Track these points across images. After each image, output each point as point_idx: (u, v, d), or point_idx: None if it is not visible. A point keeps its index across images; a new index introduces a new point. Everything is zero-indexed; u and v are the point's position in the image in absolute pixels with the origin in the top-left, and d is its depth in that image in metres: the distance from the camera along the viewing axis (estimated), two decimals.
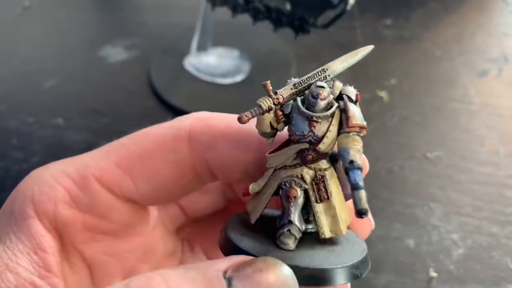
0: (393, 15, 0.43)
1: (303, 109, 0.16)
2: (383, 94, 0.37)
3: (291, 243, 0.16)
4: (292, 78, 0.17)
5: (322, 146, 0.15)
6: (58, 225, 0.17)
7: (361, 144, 0.15)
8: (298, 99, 0.16)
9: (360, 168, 0.15)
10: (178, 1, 0.41)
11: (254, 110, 0.16)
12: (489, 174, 0.33)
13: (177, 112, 0.36)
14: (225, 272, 0.14)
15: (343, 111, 0.16)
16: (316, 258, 0.15)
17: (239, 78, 0.37)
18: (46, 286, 0.16)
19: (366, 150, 0.33)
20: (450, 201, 0.31)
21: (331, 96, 0.16)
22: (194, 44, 0.38)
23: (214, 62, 0.38)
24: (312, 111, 0.16)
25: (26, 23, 0.43)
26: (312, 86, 0.16)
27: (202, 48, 0.38)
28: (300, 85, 0.17)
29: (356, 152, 0.15)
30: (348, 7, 0.27)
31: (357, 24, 0.42)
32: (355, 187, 0.14)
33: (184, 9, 0.42)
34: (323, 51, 0.40)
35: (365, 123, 0.16)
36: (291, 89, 0.17)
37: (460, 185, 0.32)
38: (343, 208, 0.16)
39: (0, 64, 0.39)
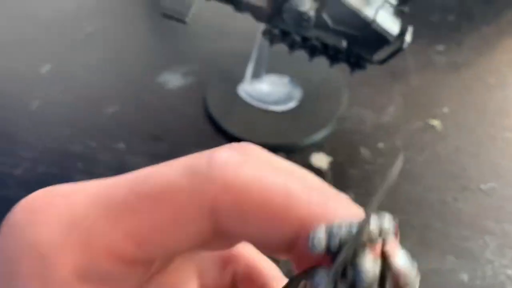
0: (445, 40, 0.43)
1: None
2: (435, 122, 0.37)
3: None
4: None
5: None
6: None
7: None
8: None
9: None
10: (234, 28, 0.43)
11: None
12: None
13: (231, 138, 0.37)
14: None
15: None
16: None
17: (291, 105, 0.38)
18: None
19: (418, 180, 0.33)
20: (505, 234, 0.31)
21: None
22: (248, 72, 0.39)
23: (266, 89, 0.39)
24: None
25: (88, 49, 0.45)
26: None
27: (256, 75, 0.39)
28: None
29: None
30: (405, 45, 0.28)
31: (408, 50, 0.42)
32: None
33: (239, 36, 0.43)
34: (374, 78, 0.40)
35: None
36: None
37: None
38: None
39: (63, 89, 0.41)
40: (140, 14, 0.50)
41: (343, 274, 0.12)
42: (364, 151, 0.36)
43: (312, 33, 0.29)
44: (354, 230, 0.12)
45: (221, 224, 0.14)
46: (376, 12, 0.27)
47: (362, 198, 0.33)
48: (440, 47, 0.43)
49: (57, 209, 0.15)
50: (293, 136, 0.36)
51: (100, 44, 0.46)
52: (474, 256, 0.30)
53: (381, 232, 0.12)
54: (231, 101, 0.39)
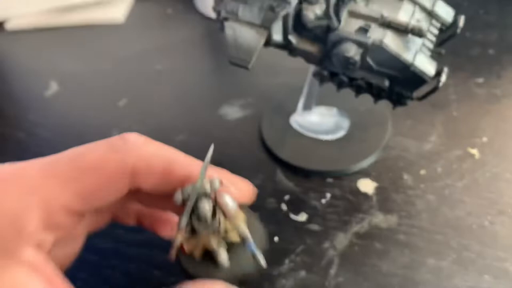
0: (485, 73, 0.46)
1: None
2: (474, 151, 0.40)
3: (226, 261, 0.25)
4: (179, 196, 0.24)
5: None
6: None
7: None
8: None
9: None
10: (287, 64, 0.47)
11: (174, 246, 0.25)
12: None
13: (284, 164, 0.41)
14: None
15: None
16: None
17: (339, 134, 0.42)
18: None
19: (457, 205, 0.36)
20: None
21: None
22: (300, 104, 0.43)
23: (316, 120, 0.43)
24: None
25: (158, 84, 0.51)
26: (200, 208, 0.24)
27: (306, 107, 0.43)
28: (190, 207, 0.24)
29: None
30: (440, 84, 0.31)
31: (450, 82, 0.45)
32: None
33: (292, 71, 0.47)
34: (417, 109, 0.43)
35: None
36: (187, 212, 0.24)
37: None
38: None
39: (138, 121, 0.47)
40: (203, 54, 0.56)
41: (193, 211, 0.24)
42: (407, 177, 0.39)
43: (358, 74, 0.33)
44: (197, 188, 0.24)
45: (137, 182, 0.24)
46: (414, 56, 0.31)
47: (405, 220, 0.36)
48: (480, 80, 0.45)
49: (18, 182, 0.22)
50: (342, 163, 0.40)
51: (169, 80, 0.52)
52: (510, 277, 0.33)
53: (212, 186, 0.24)
54: (284, 131, 0.43)
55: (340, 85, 0.35)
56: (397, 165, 0.40)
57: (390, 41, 0.31)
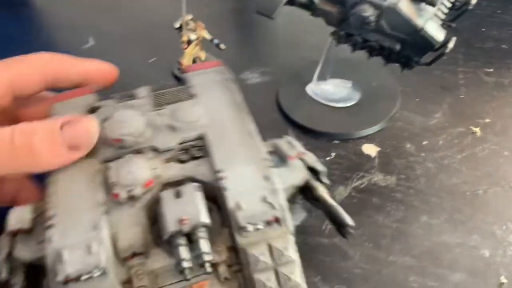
0: (496, 64, 0.48)
1: None
2: (476, 130, 0.42)
3: None
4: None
5: None
6: None
7: None
8: None
9: None
10: (307, 39, 0.50)
11: None
12: None
13: (296, 125, 0.44)
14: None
15: None
16: None
17: (350, 103, 0.45)
18: None
19: (454, 174, 0.38)
20: None
21: None
22: (315, 75, 0.46)
23: (330, 90, 0.46)
24: None
25: None
26: None
27: (322, 78, 0.46)
28: None
29: None
30: (447, 50, 0.34)
31: (460, 69, 0.48)
32: None
33: (310, 46, 0.50)
34: (426, 89, 0.46)
35: None
36: None
37: None
38: None
39: (165, 76, 0.51)
40: (232, 26, 0.59)
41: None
42: (410, 146, 0.41)
43: (372, 36, 0.36)
44: None
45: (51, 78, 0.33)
46: (425, 22, 0.34)
47: (403, 181, 0.39)
48: (490, 69, 0.48)
49: None
50: (349, 128, 0.43)
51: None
52: (496, 238, 0.35)
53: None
54: (299, 97, 0.46)
55: (354, 46, 0.37)
56: (402, 135, 0.42)
57: (404, 6, 0.34)
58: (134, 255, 0.25)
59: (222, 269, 0.25)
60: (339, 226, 0.29)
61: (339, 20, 0.36)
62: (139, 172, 0.26)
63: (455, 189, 0.38)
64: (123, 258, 0.25)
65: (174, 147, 0.28)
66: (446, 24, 0.36)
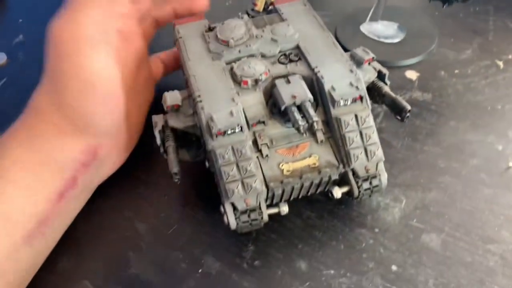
0: None
1: None
2: (500, 63, 0.51)
3: None
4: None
5: None
6: None
7: None
8: None
9: None
10: None
11: None
12: None
13: None
14: None
15: None
16: None
17: (396, 40, 0.55)
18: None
19: (479, 92, 0.48)
20: None
21: None
22: (369, 16, 0.56)
23: (380, 29, 0.56)
24: None
25: None
26: None
27: (374, 19, 0.56)
28: None
29: None
30: None
31: (490, 18, 0.57)
32: None
33: None
34: (460, 33, 0.55)
35: None
36: None
37: None
38: None
39: None
40: None
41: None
42: (444, 73, 0.51)
43: None
44: None
45: None
46: None
47: (437, 98, 0.49)
48: None
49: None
50: (395, 58, 0.53)
51: None
52: (509, 138, 0.44)
53: None
54: (354, 34, 0.56)
55: None
56: (437, 65, 0.52)
57: None
58: (257, 122, 0.35)
59: (319, 134, 0.35)
60: (400, 112, 0.38)
61: None
62: (258, 67, 0.36)
63: (478, 104, 0.48)
64: (251, 124, 0.35)
65: (276, 54, 0.38)
66: None
